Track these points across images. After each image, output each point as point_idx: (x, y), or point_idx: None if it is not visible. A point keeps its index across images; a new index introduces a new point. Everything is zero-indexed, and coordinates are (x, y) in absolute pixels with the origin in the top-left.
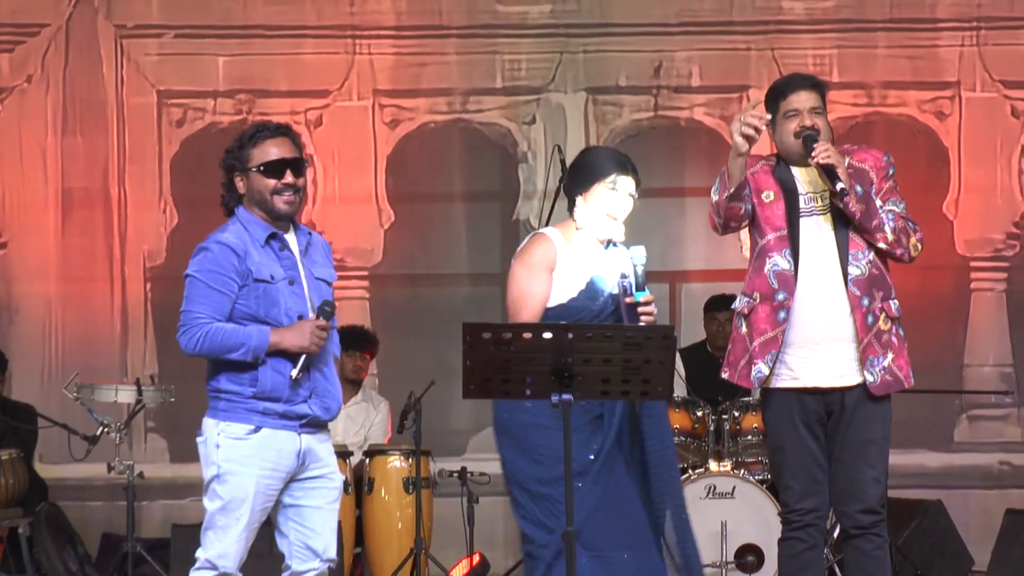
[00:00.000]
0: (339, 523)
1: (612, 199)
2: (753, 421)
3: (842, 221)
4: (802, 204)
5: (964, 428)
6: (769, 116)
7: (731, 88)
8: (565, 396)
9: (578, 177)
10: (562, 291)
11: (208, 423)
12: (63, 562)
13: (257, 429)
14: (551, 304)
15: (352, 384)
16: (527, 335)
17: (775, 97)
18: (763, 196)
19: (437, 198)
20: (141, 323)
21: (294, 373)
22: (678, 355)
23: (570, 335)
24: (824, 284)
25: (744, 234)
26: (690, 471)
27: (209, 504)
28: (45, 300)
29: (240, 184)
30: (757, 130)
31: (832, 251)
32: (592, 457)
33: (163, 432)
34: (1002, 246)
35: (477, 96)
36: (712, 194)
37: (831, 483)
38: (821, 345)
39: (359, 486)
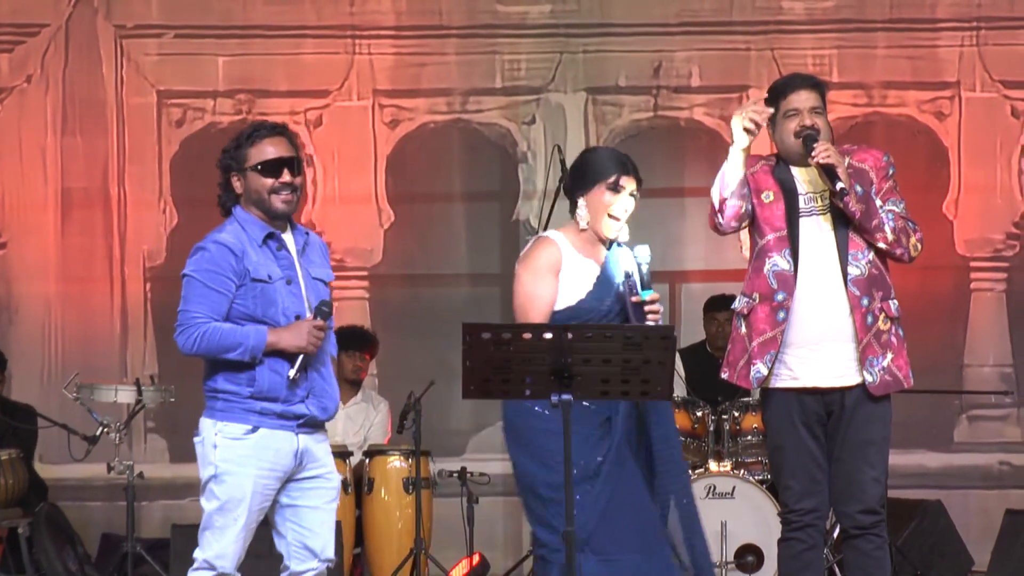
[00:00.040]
0: (339, 523)
1: (614, 199)
2: (753, 421)
3: (842, 221)
4: (802, 204)
5: (964, 428)
6: (771, 111)
7: (731, 88)
8: (565, 396)
9: (579, 178)
10: (570, 293)
11: (205, 423)
12: (63, 562)
13: (255, 429)
14: (559, 307)
15: (352, 384)
16: (527, 335)
17: (775, 97)
18: (763, 196)
19: (437, 198)
20: (141, 323)
21: (292, 373)
22: (678, 355)
23: (569, 335)
24: (824, 284)
25: (744, 234)
26: (690, 471)
27: (206, 504)
28: (45, 300)
29: (237, 184)
30: (758, 125)
31: (832, 251)
32: (600, 459)
33: (163, 432)
34: (1002, 246)
35: (477, 96)
36: (712, 194)
37: (831, 483)
38: (820, 345)
39: (359, 486)
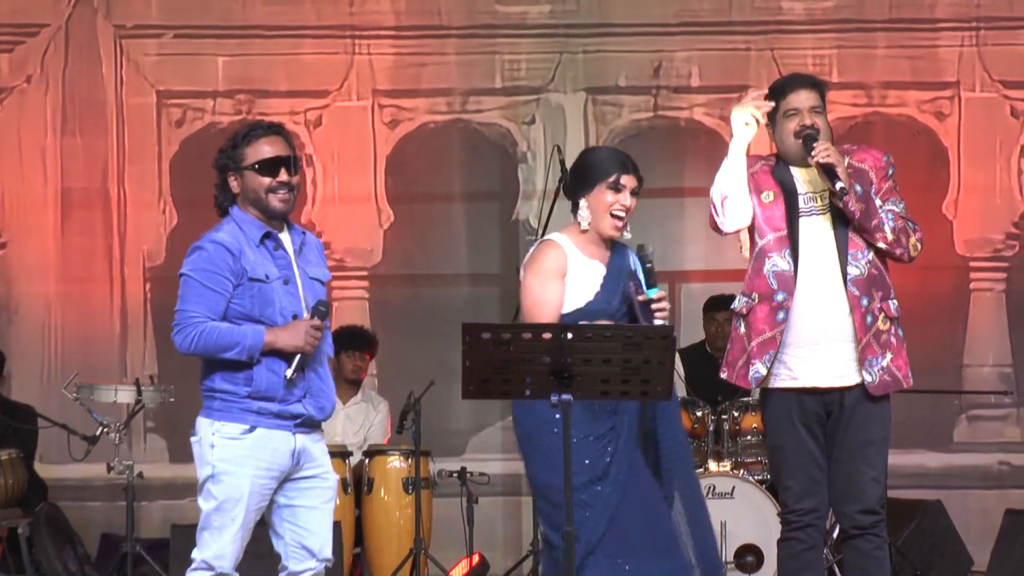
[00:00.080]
0: (339, 523)
1: (615, 198)
2: (752, 421)
3: (842, 221)
4: (801, 204)
5: (963, 428)
6: (771, 104)
7: (731, 88)
8: (565, 396)
9: (580, 178)
10: (577, 296)
11: (202, 423)
12: (62, 562)
13: (252, 429)
14: (567, 309)
15: (351, 384)
16: (526, 335)
17: (775, 97)
18: (763, 196)
19: (436, 198)
20: (140, 323)
21: (289, 373)
22: (677, 355)
23: (569, 335)
24: (823, 284)
25: (744, 234)
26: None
27: (204, 504)
28: (44, 300)
29: (234, 183)
30: (758, 121)
31: (831, 251)
32: (608, 460)
33: (162, 432)
34: (1001, 246)
35: (477, 96)
36: (712, 194)
37: (830, 483)
38: (820, 345)
39: (358, 486)
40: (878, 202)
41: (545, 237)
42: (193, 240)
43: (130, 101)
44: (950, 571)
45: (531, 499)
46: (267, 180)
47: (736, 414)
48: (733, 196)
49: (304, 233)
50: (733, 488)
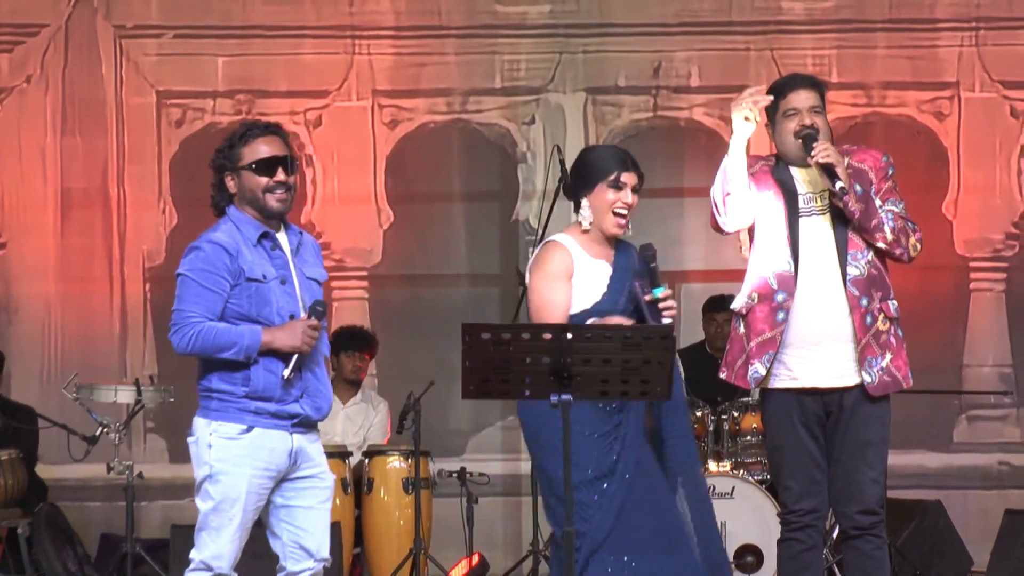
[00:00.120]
0: (338, 523)
1: (617, 197)
2: (752, 421)
3: (841, 221)
4: (801, 204)
5: (963, 428)
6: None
7: (730, 88)
8: (564, 396)
9: (580, 178)
10: (585, 296)
11: (199, 423)
12: (62, 562)
13: (249, 429)
14: (575, 310)
15: (351, 384)
16: (526, 335)
17: (774, 96)
18: (762, 196)
19: (436, 198)
20: (140, 323)
21: (286, 373)
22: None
23: (569, 335)
24: (823, 284)
25: (744, 234)
26: None
27: (202, 504)
28: (44, 300)
29: (231, 183)
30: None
31: (831, 251)
32: (615, 458)
33: (162, 432)
34: (1001, 246)
35: (476, 96)
36: (713, 193)
37: (830, 484)
38: (819, 345)
39: (358, 486)
40: (878, 202)
41: (549, 238)
42: (193, 240)
43: (130, 101)
44: (950, 571)
45: (531, 499)
46: (264, 180)
47: (736, 414)
48: (735, 193)
49: (301, 233)
50: (733, 488)
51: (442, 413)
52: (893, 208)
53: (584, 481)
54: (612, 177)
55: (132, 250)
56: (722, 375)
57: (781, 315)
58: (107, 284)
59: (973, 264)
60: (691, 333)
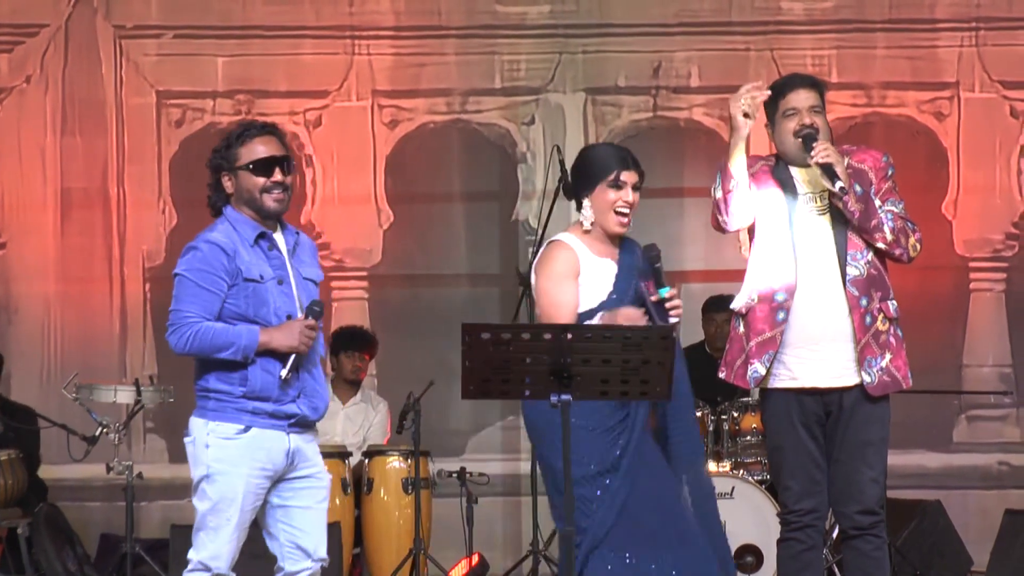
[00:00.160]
0: (338, 523)
1: (618, 195)
2: (752, 421)
3: (841, 221)
4: (801, 204)
5: (963, 428)
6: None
7: (730, 88)
8: (564, 396)
9: (581, 178)
10: (592, 295)
11: (196, 423)
12: (62, 562)
13: (247, 429)
14: (582, 309)
15: (351, 384)
16: (526, 336)
17: (774, 96)
18: (762, 196)
19: (436, 198)
20: (140, 323)
21: (284, 373)
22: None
23: (569, 335)
24: (822, 284)
25: (744, 234)
26: None
27: (199, 504)
28: (44, 300)
29: (228, 183)
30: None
31: (831, 251)
32: (619, 453)
33: (162, 432)
34: (1001, 246)
35: (476, 96)
36: (713, 192)
37: (830, 484)
38: (819, 345)
39: (358, 486)
40: (877, 202)
41: (553, 238)
42: (191, 240)
43: (130, 101)
44: (950, 571)
45: (531, 499)
46: (261, 180)
47: (736, 414)
48: (736, 191)
49: (298, 233)
50: (733, 488)
51: (442, 413)
52: (893, 208)
53: (587, 476)
54: (612, 176)
55: (132, 250)
56: (722, 375)
57: (781, 315)
58: (107, 284)
59: (973, 264)
60: (691, 333)
